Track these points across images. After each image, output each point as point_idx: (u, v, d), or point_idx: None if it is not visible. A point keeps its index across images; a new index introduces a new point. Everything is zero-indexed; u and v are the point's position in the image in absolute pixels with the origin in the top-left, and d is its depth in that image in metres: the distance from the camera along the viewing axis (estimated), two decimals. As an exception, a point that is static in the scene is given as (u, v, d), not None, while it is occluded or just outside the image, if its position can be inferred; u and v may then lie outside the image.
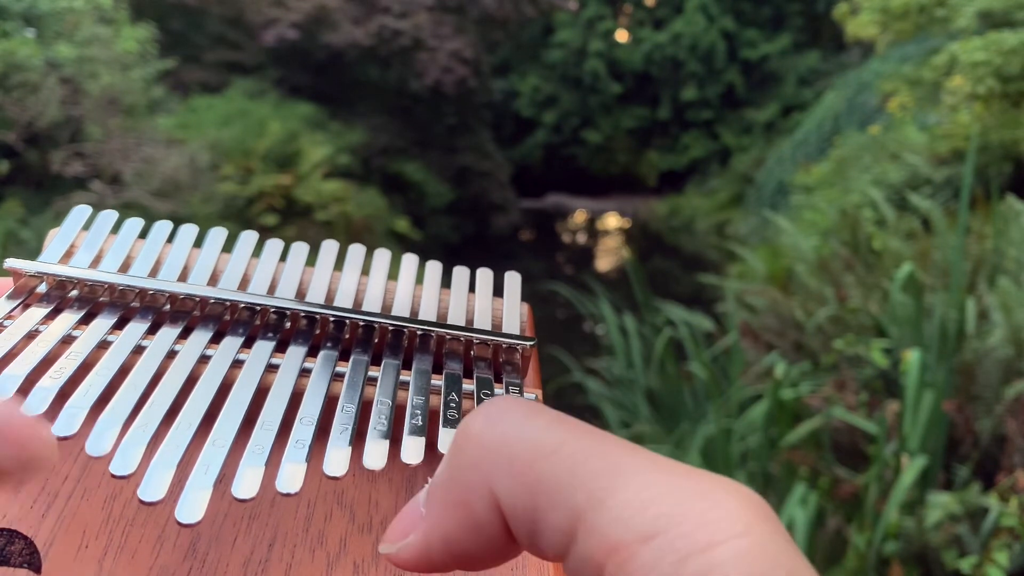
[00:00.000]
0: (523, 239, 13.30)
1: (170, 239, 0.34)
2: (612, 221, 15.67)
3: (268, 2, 9.95)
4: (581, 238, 15.06)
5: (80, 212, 0.34)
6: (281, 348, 0.30)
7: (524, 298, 0.35)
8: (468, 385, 0.30)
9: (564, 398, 3.61)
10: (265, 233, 0.34)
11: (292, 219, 7.92)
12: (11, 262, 0.30)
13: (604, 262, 12.22)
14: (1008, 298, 2.64)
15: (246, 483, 0.23)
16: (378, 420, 0.26)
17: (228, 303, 0.30)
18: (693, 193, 13.73)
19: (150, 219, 0.34)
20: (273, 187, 8.03)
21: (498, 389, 0.30)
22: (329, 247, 0.34)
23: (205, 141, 7.76)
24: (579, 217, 15.98)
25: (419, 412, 0.27)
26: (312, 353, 0.30)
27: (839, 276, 3.42)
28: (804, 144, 9.20)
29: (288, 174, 8.21)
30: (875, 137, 6.65)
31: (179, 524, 0.22)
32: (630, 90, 16.27)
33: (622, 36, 16.73)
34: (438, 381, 0.29)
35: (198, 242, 0.34)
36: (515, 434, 0.20)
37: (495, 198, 12.06)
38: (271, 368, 0.28)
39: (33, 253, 0.31)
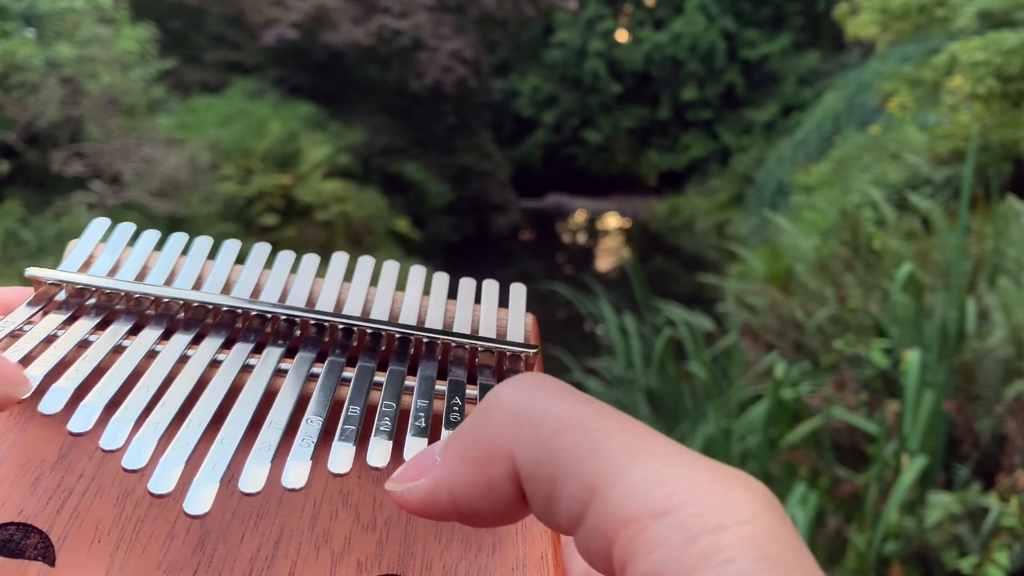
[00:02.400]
0: (523, 239, 13.31)
1: (185, 251, 0.35)
2: (612, 221, 15.68)
3: (268, 2, 9.96)
4: (581, 238, 15.07)
5: (99, 224, 0.35)
6: (291, 355, 0.31)
7: (525, 301, 0.35)
8: (472, 391, 0.30)
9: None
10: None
11: (292, 219, 7.91)
12: (32, 271, 0.32)
13: (604, 262, 12.23)
14: (1008, 298, 2.65)
15: (252, 478, 0.24)
16: (382, 421, 0.27)
17: (240, 310, 0.32)
18: (693, 193, 13.75)
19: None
20: (273, 187, 8.03)
21: None
22: (339, 259, 0.35)
23: (205, 141, 7.76)
24: (579, 217, 15.99)
25: (422, 414, 0.28)
26: (320, 359, 0.31)
27: (839, 276, 3.43)
28: (804, 144, 9.21)
29: (288, 174, 8.21)
30: (875, 137, 6.66)
31: (186, 515, 0.23)
32: (630, 90, 16.28)
33: (622, 36, 16.74)
34: (442, 387, 0.30)
35: (212, 254, 0.35)
36: (543, 405, 0.21)
37: (495, 198, 12.07)
38: (280, 373, 0.30)
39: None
